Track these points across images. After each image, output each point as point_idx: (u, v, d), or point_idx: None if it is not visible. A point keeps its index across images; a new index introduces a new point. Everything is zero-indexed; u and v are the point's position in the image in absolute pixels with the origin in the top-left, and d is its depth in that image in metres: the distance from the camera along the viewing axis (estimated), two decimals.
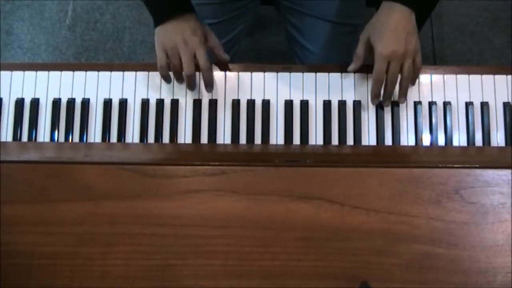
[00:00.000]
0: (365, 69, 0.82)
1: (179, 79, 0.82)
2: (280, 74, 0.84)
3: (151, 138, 0.82)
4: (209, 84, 0.82)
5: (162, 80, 0.84)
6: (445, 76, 0.83)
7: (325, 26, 0.96)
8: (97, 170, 0.58)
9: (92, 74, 0.85)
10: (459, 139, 0.81)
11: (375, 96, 0.79)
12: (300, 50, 1.03)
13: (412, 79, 0.80)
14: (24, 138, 0.83)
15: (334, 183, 0.57)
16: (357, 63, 0.80)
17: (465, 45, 1.61)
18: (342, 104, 0.82)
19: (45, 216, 0.56)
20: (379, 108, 0.82)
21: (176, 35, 0.79)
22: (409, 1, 0.76)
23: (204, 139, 0.82)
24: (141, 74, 0.84)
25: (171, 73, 0.82)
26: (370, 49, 0.78)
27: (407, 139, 0.81)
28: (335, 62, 0.88)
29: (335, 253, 0.54)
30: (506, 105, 0.82)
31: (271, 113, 0.82)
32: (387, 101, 0.80)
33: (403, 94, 0.80)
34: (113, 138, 0.83)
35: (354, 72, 0.82)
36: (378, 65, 0.76)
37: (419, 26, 1.34)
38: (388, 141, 0.81)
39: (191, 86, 0.82)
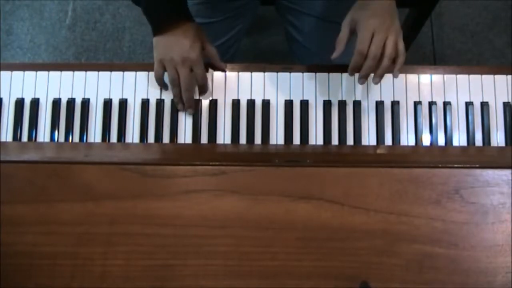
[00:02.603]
0: None
1: (176, 93, 0.82)
2: (280, 74, 0.84)
3: (151, 138, 0.82)
4: (204, 95, 0.83)
5: None
6: (445, 76, 0.83)
7: (324, 25, 0.96)
8: (97, 170, 0.58)
9: (92, 74, 0.85)
10: (459, 139, 0.81)
11: (354, 68, 0.77)
12: (299, 49, 1.03)
13: (396, 62, 0.76)
14: (24, 138, 0.83)
15: (334, 183, 0.56)
16: (339, 48, 0.77)
17: (465, 45, 1.61)
18: (342, 104, 0.82)
19: (45, 216, 0.56)
20: (379, 108, 0.82)
21: (174, 50, 0.79)
22: None
23: (204, 139, 0.82)
24: (141, 74, 0.84)
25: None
26: (352, 32, 0.77)
27: (407, 139, 0.81)
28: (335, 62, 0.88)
29: (335, 253, 0.54)
30: (506, 105, 0.82)
31: (271, 113, 0.82)
32: (363, 79, 0.77)
33: (380, 74, 0.76)
34: (113, 138, 0.83)
35: (339, 58, 0.78)
36: (362, 34, 0.74)
37: (418, 28, 1.34)
38: (388, 141, 0.81)
39: (189, 101, 0.82)
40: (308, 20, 0.97)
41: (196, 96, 0.83)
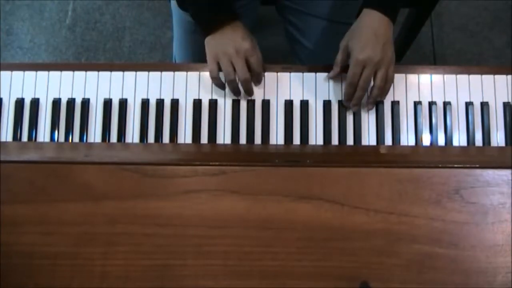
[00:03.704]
0: None
1: (233, 87, 0.82)
2: (280, 74, 0.84)
3: (151, 138, 0.82)
4: (259, 83, 0.83)
5: (162, 80, 0.84)
6: (445, 76, 0.83)
7: (324, 25, 0.96)
8: (97, 170, 0.58)
9: (92, 74, 0.84)
10: (459, 139, 0.81)
11: (347, 98, 0.81)
12: (300, 49, 1.03)
13: (383, 90, 0.80)
14: (24, 138, 0.83)
15: (334, 183, 0.57)
16: (335, 70, 0.81)
17: (465, 45, 1.61)
18: (342, 104, 0.82)
19: (45, 216, 0.56)
20: (379, 108, 0.82)
21: (227, 44, 0.80)
22: (389, 11, 0.77)
23: (204, 139, 0.82)
24: (141, 74, 0.84)
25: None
26: (348, 56, 0.79)
27: (407, 139, 0.81)
28: None
29: (335, 253, 0.54)
30: (506, 105, 0.82)
31: (271, 113, 0.82)
32: (356, 106, 0.81)
33: (372, 102, 0.81)
34: (113, 138, 0.83)
35: (333, 78, 0.82)
36: (352, 69, 0.77)
37: (418, 28, 1.34)
38: (388, 141, 0.81)
39: (249, 91, 0.82)
40: (310, 20, 0.97)
41: (197, 96, 0.83)
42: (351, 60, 0.78)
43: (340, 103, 0.82)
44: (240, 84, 0.81)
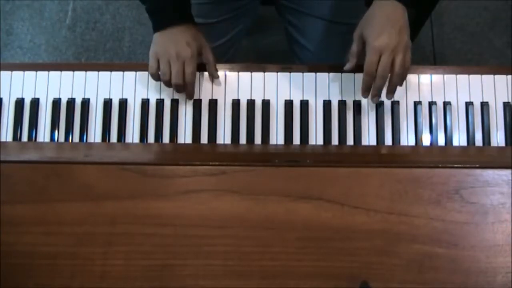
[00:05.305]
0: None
1: (167, 85, 0.82)
2: (280, 74, 0.84)
3: (151, 138, 0.82)
4: (190, 97, 0.83)
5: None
6: (445, 76, 0.83)
7: (324, 25, 0.96)
8: (97, 170, 0.58)
9: (92, 74, 0.85)
10: (459, 139, 0.81)
11: (365, 89, 0.78)
12: (299, 49, 1.03)
13: (401, 77, 0.78)
14: (24, 138, 0.83)
15: (334, 183, 0.57)
16: (352, 61, 0.79)
17: (465, 45, 1.61)
18: (342, 104, 0.82)
19: (45, 216, 0.56)
20: (379, 108, 0.82)
21: (170, 46, 0.80)
22: None
23: (204, 139, 0.82)
24: (141, 74, 0.84)
25: None
26: (364, 45, 0.77)
27: (407, 139, 0.81)
28: (335, 61, 0.89)
29: (335, 253, 0.54)
30: (506, 105, 0.82)
31: (271, 113, 0.82)
32: (376, 97, 0.78)
33: (392, 90, 0.78)
34: (113, 138, 0.83)
35: (351, 70, 0.81)
36: (369, 57, 0.75)
37: (418, 28, 1.34)
38: (388, 141, 0.81)
39: (179, 92, 0.83)
40: (309, 20, 0.97)
41: (197, 95, 0.83)
42: (367, 48, 0.75)
43: (340, 103, 0.82)
44: (172, 85, 0.81)
